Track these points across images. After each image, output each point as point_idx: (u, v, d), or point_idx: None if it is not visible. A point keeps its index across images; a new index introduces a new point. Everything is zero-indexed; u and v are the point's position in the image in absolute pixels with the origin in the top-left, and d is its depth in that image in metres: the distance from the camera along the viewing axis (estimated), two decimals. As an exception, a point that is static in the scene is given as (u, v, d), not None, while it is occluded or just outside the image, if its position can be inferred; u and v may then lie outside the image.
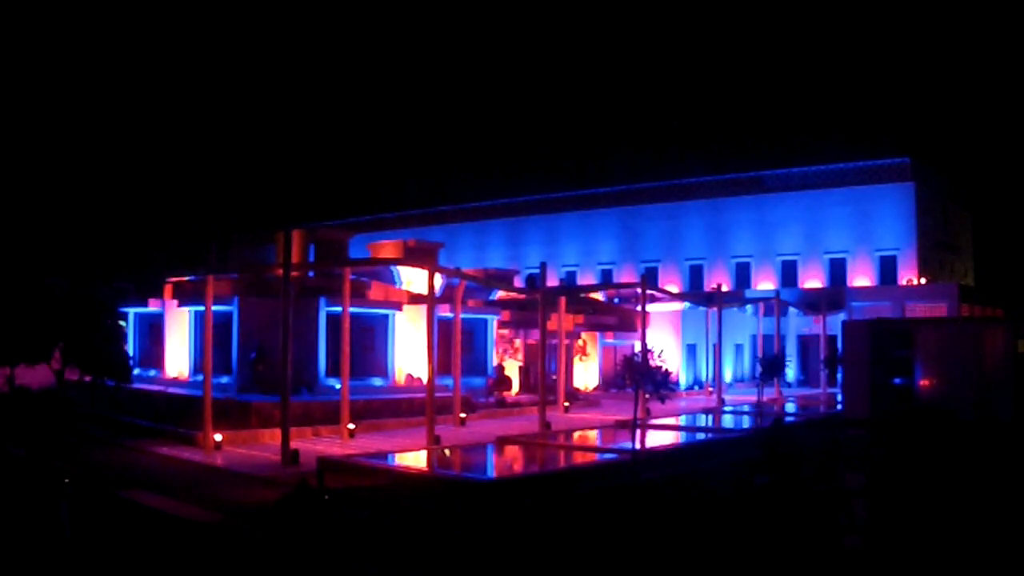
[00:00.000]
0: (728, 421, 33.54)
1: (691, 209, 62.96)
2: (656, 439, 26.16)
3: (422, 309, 31.41)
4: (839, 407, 33.56)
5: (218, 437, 24.09)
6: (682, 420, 31.57)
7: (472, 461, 23.14)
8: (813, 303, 51.32)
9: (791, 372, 51.06)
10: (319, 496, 11.19)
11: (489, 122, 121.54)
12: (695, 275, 62.37)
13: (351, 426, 26.15)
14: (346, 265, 30.85)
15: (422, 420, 26.37)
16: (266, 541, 13.62)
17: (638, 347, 30.50)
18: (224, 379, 30.85)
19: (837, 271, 56.90)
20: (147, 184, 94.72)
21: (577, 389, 43.45)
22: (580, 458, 23.52)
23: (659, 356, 22.33)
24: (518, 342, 42.87)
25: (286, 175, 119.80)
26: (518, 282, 53.17)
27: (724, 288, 55.39)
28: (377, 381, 32.88)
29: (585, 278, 66.56)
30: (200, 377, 27.02)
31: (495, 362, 39.10)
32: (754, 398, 39.09)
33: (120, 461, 22.74)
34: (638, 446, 22.04)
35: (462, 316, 32.68)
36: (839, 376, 38.99)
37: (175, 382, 34.23)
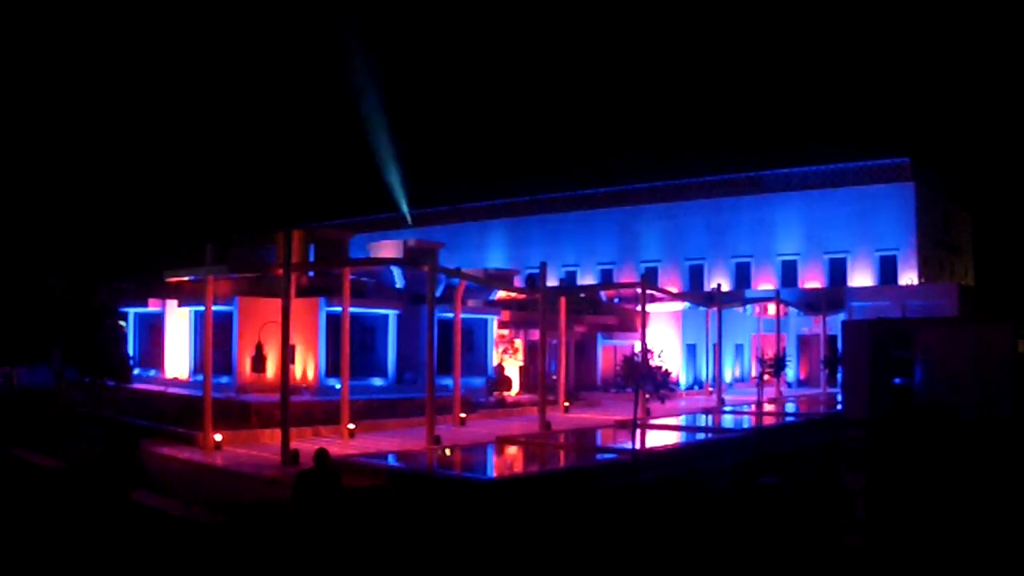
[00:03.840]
0: (728, 421, 33.56)
1: (691, 209, 62.93)
2: (656, 439, 26.17)
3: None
4: (839, 407, 33.56)
5: (218, 437, 24.09)
6: (682, 420, 31.58)
7: (472, 461, 23.14)
8: (813, 303, 51.31)
9: (791, 372, 51.05)
10: (336, 471, 11.41)
11: (489, 122, 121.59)
12: (695, 275, 62.35)
13: (351, 426, 26.15)
14: (346, 265, 30.86)
15: (422, 420, 26.37)
16: (277, 531, 13.61)
17: (638, 347, 30.53)
18: (224, 379, 30.83)
19: (837, 271, 56.89)
20: (147, 184, 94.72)
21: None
22: (580, 458, 23.53)
23: (659, 356, 22.36)
24: (518, 342, 42.85)
25: (286, 175, 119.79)
26: (518, 282, 53.15)
27: (724, 288, 55.38)
28: (377, 381, 32.88)
29: (585, 278, 66.56)
30: (200, 377, 27.02)
31: (495, 362, 39.08)
32: (754, 398, 39.13)
33: (120, 461, 22.71)
34: (638, 446, 22.07)
35: (462, 316, 32.67)
36: (839, 376, 39.01)
37: (175, 382, 34.24)
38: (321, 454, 11.39)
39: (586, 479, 19.74)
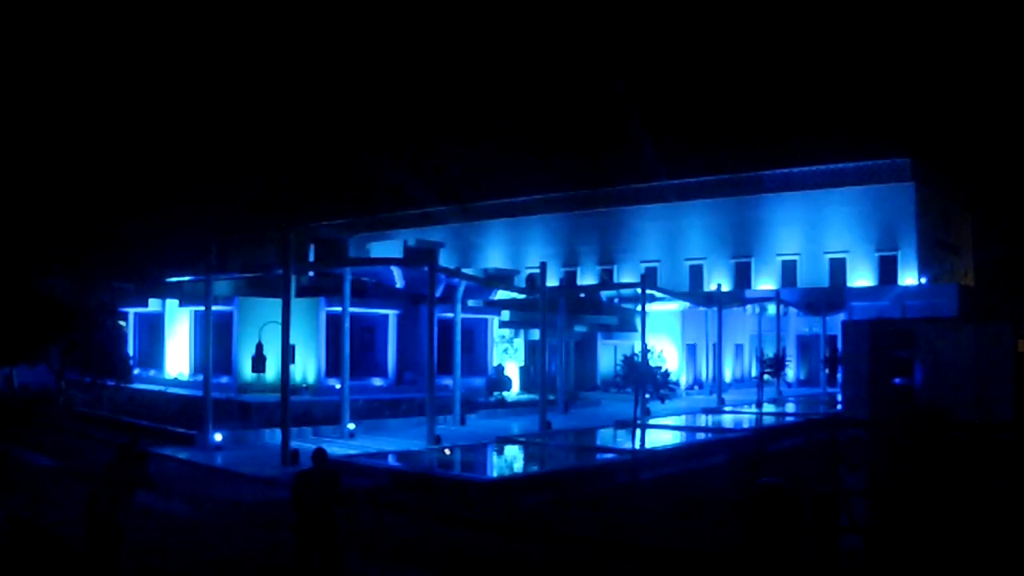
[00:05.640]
0: (728, 421, 33.58)
1: (691, 209, 62.95)
2: (656, 439, 26.19)
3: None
4: (839, 407, 33.59)
5: (218, 437, 24.10)
6: (682, 420, 31.59)
7: (472, 461, 23.16)
8: (813, 303, 51.31)
9: (791, 372, 51.07)
10: (335, 471, 11.46)
11: (489, 122, 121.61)
12: (695, 275, 62.36)
13: (351, 426, 26.15)
14: (346, 265, 30.86)
15: (422, 420, 26.38)
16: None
17: (638, 347, 30.54)
18: (224, 379, 30.83)
19: (837, 271, 56.88)
20: (147, 184, 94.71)
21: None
22: (580, 458, 23.55)
23: (658, 356, 22.37)
24: (518, 342, 42.85)
25: (286, 175, 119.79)
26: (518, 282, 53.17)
27: (724, 288, 55.38)
28: (377, 381, 32.89)
29: (585, 278, 66.56)
30: (200, 377, 27.04)
31: (495, 362, 39.09)
32: (754, 398, 39.14)
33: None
34: (638, 446, 22.09)
35: (462, 316, 32.68)
36: (839, 376, 39.05)
37: (175, 382, 34.25)
38: (320, 454, 11.39)
39: (586, 479, 19.75)
